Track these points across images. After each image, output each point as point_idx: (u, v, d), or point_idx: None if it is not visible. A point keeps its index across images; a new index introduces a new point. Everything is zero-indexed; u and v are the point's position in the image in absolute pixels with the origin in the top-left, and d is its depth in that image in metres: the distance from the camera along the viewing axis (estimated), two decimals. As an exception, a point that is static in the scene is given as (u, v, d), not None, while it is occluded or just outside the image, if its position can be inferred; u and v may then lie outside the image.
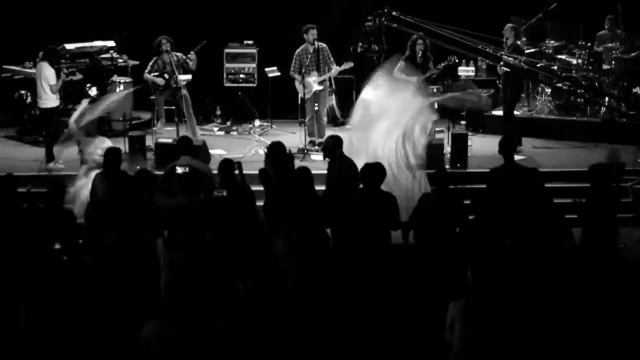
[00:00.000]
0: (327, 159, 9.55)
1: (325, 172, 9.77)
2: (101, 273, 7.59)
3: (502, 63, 12.82)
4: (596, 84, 13.86)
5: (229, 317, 6.82)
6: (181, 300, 6.45)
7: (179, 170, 9.22)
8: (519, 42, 13.02)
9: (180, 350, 6.28)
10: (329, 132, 13.21)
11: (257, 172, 9.36)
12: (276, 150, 9.16)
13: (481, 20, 12.89)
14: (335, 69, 12.89)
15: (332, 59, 12.94)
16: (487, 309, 6.50)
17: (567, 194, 10.18)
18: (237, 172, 9.06)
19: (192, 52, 12.96)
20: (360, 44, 14.42)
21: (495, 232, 8.22)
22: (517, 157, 10.37)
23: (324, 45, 12.94)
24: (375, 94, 10.93)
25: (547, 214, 8.51)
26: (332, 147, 9.32)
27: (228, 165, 9.00)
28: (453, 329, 6.54)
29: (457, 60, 12.97)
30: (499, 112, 14.35)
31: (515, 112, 13.58)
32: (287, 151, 9.25)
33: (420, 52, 12.43)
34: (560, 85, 13.86)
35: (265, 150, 9.54)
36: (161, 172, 9.94)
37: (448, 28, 11.86)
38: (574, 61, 13.89)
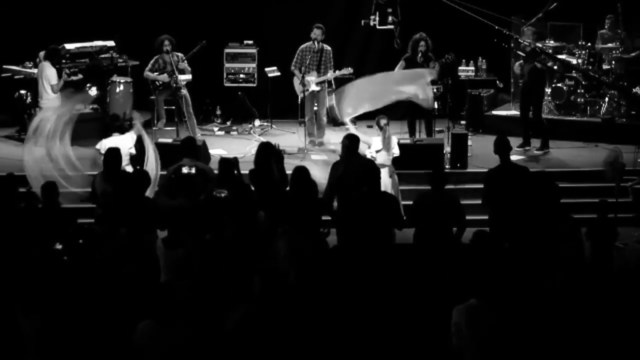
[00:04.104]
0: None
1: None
2: (103, 273, 7.58)
3: (518, 64, 12.85)
4: (595, 82, 13.88)
5: (238, 315, 6.75)
6: (176, 302, 6.42)
7: (185, 170, 9.23)
8: (539, 45, 13.02)
9: (174, 354, 6.27)
10: (329, 132, 13.25)
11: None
12: (264, 152, 9.22)
13: (481, 21, 12.87)
14: (331, 74, 12.87)
15: (332, 63, 12.91)
16: (494, 310, 6.46)
17: (567, 194, 10.18)
18: (235, 171, 9.11)
19: (185, 62, 12.95)
20: (372, 17, 14.13)
21: (497, 233, 8.23)
22: (513, 157, 10.39)
23: (329, 48, 12.91)
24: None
25: (542, 214, 8.53)
26: (352, 148, 9.44)
27: (227, 164, 9.02)
28: (460, 335, 6.50)
29: (454, 58, 12.89)
30: (499, 112, 14.41)
31: (515, 112, 13.59)
32: (276, 146, 9.31)
33: (421, 53, 12.41)
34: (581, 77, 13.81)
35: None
36: (163, 172, 9.96)
37: (466, 6, 11.79)
38: (574, 61, 13.89)
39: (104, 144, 10.35)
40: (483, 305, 6.46)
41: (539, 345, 6.71)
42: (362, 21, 14.08)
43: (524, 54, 12.69)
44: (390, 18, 13.87)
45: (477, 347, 6.40)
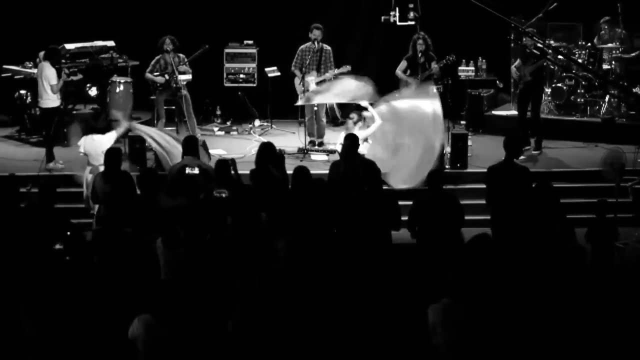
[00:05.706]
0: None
1: (326, 171, 9.79)
2: (105, 273, 7.58)
3: (515, 67, 12.87)
4: (596, 83, 13.88)
5: (239, 315, 6.77)
6: (174, 300, 6.42)
7: (188, 170, 9.22)
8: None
9: (170, 350, 6.27)
10: (329, 132, 13.24)
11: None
12: (265, 152, 9.22)
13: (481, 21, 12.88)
14: (330, 73, 12.86)
15: (332, 62, 12.91)
16: (468, 309, 6.48)
17: (567, 194, 10.20)
18: (232, 172, 9.10)
19: (187, 64, 12.95)
20: (392, 13, 13.70)
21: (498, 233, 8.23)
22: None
23: (329, 47, 12.91)
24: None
25: (542, 214, 8.53)
26: (352, 147, 9.47)
27: (224, 165, 9.03)
28: (436, 333, 6.51)
29: (454, 59, 12.87)
30: (499, 112, 14.40)
31: (513, 112, 13.58)
32: (277, 150, 9.30)
33: (421, 52, 12.41)
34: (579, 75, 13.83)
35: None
36: (164, 173, 9.97)
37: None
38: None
39: (83, 143, 10.51)
40: (457, 304, 6.48)
41: (520, 344, 6.73)
42: (382, 17, 13.93)
43: (537, 51, 12.65)
44: (411, 14, 13.73)
45: (452, 345, 6.42)
